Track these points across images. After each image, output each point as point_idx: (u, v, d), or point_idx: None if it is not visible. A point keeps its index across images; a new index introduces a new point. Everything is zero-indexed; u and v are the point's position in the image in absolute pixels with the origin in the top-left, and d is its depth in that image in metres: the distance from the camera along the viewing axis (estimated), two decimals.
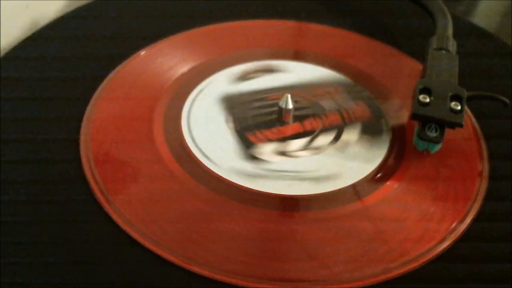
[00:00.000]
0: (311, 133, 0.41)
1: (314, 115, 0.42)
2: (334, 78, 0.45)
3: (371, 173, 0.39)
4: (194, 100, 0.42)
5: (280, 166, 0.39)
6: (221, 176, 0.38)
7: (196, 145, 0.40)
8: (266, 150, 0.40)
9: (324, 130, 0.41)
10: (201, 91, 0.43)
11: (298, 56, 0.47)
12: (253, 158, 0.39)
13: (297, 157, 0.39)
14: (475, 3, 0.62)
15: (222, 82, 0.44)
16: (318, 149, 0.40)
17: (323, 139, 0.40)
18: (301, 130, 0.41)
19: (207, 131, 0.41)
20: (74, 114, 0.41)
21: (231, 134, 0.40)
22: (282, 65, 0.45)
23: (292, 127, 0.41)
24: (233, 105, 0.42)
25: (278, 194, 0.37)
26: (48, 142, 0.40)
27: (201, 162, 0.39)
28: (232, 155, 0.39)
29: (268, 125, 0.41)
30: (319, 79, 0.44)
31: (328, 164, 0.39)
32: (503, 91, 0.42)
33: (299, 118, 0.41)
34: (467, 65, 0.43)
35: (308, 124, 0.41)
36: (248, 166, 0.39)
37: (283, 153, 0.40)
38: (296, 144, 0.40)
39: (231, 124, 0.41)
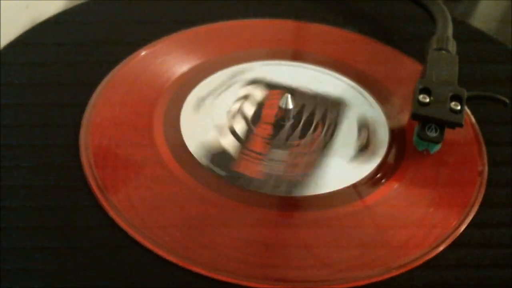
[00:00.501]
0: (303, 137, 0.41)
1: (313, 122, 0.41)
2: (348, 91, 0.44)
3: (371, 173, 0.39)
4: (195, 97, 0.42)
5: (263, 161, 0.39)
6: (221, 176, 0.38)
7: (196, 145, 0.39)
8: (254, 144, 0.40)
9: (318, 137, 0.41)
10: (220, 76, 0.44)
11: (298, 56, 0.47)
12: (232, 132, 0.40)
13: (279, 155, 0.39)
14: (475, 4, 0.62)
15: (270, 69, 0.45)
16: (304, 153, 0.40)
17: (313, 145, 0.40)
18: (295, 131, 0.41)
19: (206, 122, 0.41)
20: (74, 114, 0.41)
21: (224, 125, 0.41)
22: (327, 74, 0.45)
23: (288, 127, 0.41)
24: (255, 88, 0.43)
25: (278, 194, 0.37)
26: (48, 143, 0.40)
27: (201, 162, 0.39)
28: (222, 143, 0.40)
29: (266, 122, 0.41)
30: (333, 90, 0.44)
31: (305, 168, 0.39)
32: (503, 92, 0.42)
33: (297, 121, 0.41)
34: (466, 67, 0.43)
35: (304, 128, 0.41)
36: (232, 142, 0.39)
37: (271, 145, 0.40)
38: (284, 144, 0.40)
39: (238, 103, 0.42)
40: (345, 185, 0.38)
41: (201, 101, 0.42)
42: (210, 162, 0.39)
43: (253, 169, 0.39)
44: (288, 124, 0.41)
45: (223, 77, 0.44)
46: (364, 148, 0.40)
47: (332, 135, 0.41)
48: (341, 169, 0.39)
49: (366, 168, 0.39)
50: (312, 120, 0.42)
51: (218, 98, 0.43)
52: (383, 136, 0.41)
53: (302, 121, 0.41)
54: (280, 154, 0.40)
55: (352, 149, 0.40)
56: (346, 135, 0.41)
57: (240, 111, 0.42)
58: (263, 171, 0.38)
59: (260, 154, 0.39)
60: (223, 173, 0.38)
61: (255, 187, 0.38)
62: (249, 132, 0.41)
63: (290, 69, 0.45)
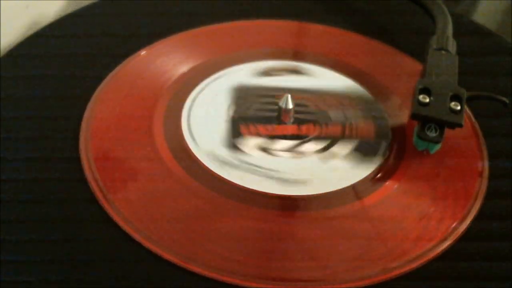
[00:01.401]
0: (303, 138, 0.41)
1: (315, 122, 0.41)
2: (356, 92, 0.44)
3: (371, 173, 0.39)
4: (195, 97, 0.42)
5: (255, 161, 0.39)
6: (221, 176, 0.38)
7: (196, 145, 0.40)
8: (251, 143, 0.40)
9: (318, 138, 0.41)
10: (216, 78, 0.43)
11: (298, 56, 0.47)
12: (234, 147, 0.39)
13: (277, 156, 0.39)
14: (475, 3, 0.62)
15: (244, 74, 0.44)
16: (301, 153, 0.40)
17: (312, 146, 0.40)
18: (295, 132, 0.41)
19: (206, 122, 0.41)
20: (74, 114, 0.41)
21: (225, 122, 0.41)
22: (310, 69, 0.45)
23: (288, 128, 0.41)
24: (242, 95, 0.42)
25: (279, 194, 0.37)
26: (48, 142, 0.40)
27: (201, 162, 0.39)
28: (217, 140, 0.40)
29: (265, 121, 0.41)
30: (340, 89, 0.44)
31: (302, 169, 0.39)
32: (504, 89, 0.42)
33: (299, 121, 0.41)
34: (467, 63, 0.43)
35: (304, 129, 0.41)
36: (226, 153, 0.39)
37: (264, 150, 0.40)
38: (282, 144, 0.40)
39: (231, 112, 0.41)
40: (345, 185, 0.38)
41: (201, 102, 0.42)
42: (214, 165, 0.39)
43: (228, 157, 0.39)
44: (289, 124, 0.41)
45: (221, 78, 0.44)
46: (347, 165, 0.40)
47: (322, 144, 0.41)
48: (311, 177, 0.39)
49: (366, 168, 0.39)
50: (311, 119, 0.42)
51: (218, 100, 0.43)
52: (382, 140, 0.41)
53: (302, 120, 0.41)
54: (261, 149, 0.39)
55: (335, 162, 0.40)
56: (337, 148, 0.41)
57: (240, 114, 0.42)
58: (236, 161, 0.38)
59: (242, 145, 0.39)
60: (229, 177, 0.38)
61: (260, 187, 0.38)
62: (243, 123, 0.41)
63: (313, 76, 0.45)
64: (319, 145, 0.40)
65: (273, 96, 0.42)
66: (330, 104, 0.43)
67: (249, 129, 0.41)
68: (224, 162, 0.38)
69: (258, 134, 0.40)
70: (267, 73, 0.44)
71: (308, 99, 0.43)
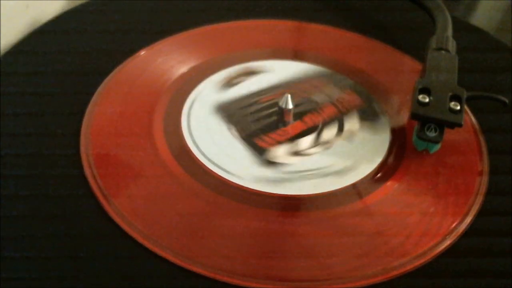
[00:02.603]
0: (315, 129, 0.41)
1: (311, 111, 0.42)
2: (314, 71, 0.45)
3: (371, 172, 0.39)
4: (193, 102, 0.42)
5: (300, 167, 0.39)
6: (221, 176, 0.38)
7: (196, 145, 0.40)
8: (279, 153, 0.40)
9: (326, 123, 0.41)
10: (219, 77, 0.44)
11: (297, 56, 0.47)
12: (270, 163, 0.39)
13: (311, 154, 0.39)
14: (475, 3, 0.62)
15: (210, 91, 0.43)
16: (327, 143, 0.40)
17: (329, 133, 0.40)
18: (304, 127, 0.41)
19: (206, 122, 0.41)
20: (74, 112, 0.41)
21: (239, 143, 0.40)
22: (262, 65, 0.45)
23: (295, 126, 0.41)
24: (230, 113, 0.42)
25: (278, 194, 0.37)
26: (48, 141, 0.40)
27: (201, 162, 0.39)
28: (247, 163, 0.39)
29: (271, 127, 0.41)
30: (301, 74, 0.45)
31: (345, 155, 0.39)
32: (503, 91, 0.42)
33: (298, 116, 0.41)
34: (466, 65, 0.43)
35: (309, 120, 0.41)
36: (268, 172, 0.38)
37: (296, 153, 0.40)
38: (305, 142, 0.40)
39: (235, 132, 0.41)
40: (345, 185, 0.38)
41: (201, 102, 0.42)
42: (213, 165, 0.38)
43: (274, 174, 0.38)
44: (290, 123, 0.41)
45: (215, 81, 0.44)
46: (368, 134, 0.40)
47: (335, 127, 0.41)
48: (356, 158, 0.39)
49: (366, 168, 0.39)
50: (311, 116, 0.42)
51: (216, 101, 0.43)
52: (381, 118, 0.41)
53: (299, 114, 0.41)
54: (294, 154, 0.39)
55: (358, 136, 0.40)
56: (348, 125, 0.41)
57: (246, 132, 0.41)
58: (285, 175, 0.38)
59: (275, 158, 0.39)
60: (229, 176, 0.38)
61: (281, 191, 0.38)
62: (255, 137, 0.40)
63: (269, 72, 0.45)
64: (333, 129, 0.40)
65: (257, 102, 0.42)
66: (306, 90, 0.43)
67: (266, 141, 0.40)
68: (274, 181, 0.38)
69: (278, 142, 0.40)
70: (228, 84, 0.44)
71: (285, 93, 0.43)
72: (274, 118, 0.41)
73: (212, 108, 0.42)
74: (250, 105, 0.42)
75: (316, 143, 0.40)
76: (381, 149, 0.40)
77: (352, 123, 0.41)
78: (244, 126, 0.41)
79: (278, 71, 0.45)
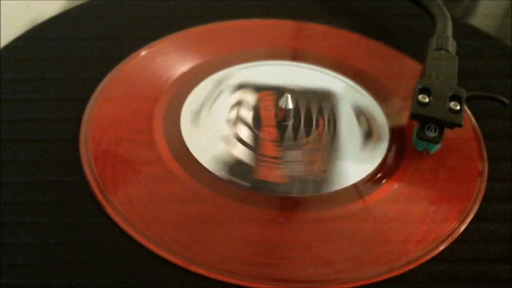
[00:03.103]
0: (309, 134, 0.41)
1: (312, 119, 0.42)
2: (330, 82, 0.44)
3: (371, 173, 0.39)
4: (195, 97, 0.42)
5: (276, 158, 0.39)
6: (221, 176, 0.38)
7: (196, 145, 0.40)
8: (266, 147, 0.40)
9: (322, 133, 0.41)
10: (219, 77, 0.44)
11: (298, 56, 0.47)
12: (242, 141, 0.40)
13: (296, 150, 0.40)
14: (475, 4, 0.62)
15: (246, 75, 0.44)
16: (316, 149, 0.40)
17: (321, 141, 0.40)
18: (300, 130, 0.41)
19: (206, 121, 0.41)
20: (73, 114, 0.41)
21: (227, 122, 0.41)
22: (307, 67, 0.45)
23: (291, 127, 0.41)
24: (243, 98, 0.43)
25: (279, 194, 0.37)
26: (48, 142, 0.40)
27: (201, 163, 0.39)
28: (239, 151, 0.39)
29: (268, 123, 0.41)
30: (319, 85, 0.44)
31: (326, 164, 0.39)
32: (503, 92, 0.42)
33: (297, 120, 0.41)
34: (466, 66, 0.43)
35: (307, 126, 0.41)
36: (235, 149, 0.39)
37: (282, 147, 0.40)
38: (294, 143, 0.40)
39: (234, 116, 0.41)
40: (346, 185, 0.38)
41: (196, 114, 0.42)
42: (230, 175, 0.38)
43: (274, 174, 0.38)
44: (290, 124, 0.41)
45: (209, 86, 0.44)
46: (369, 135, 0.40)
47: (335, 127, 0.41)
48: (361, 152, 0.39)
49: (366, 168, 0.39)
50: (311, 117, 0.42)
51: (213, 106, 0.42)
52: (382, 140, 0.41)
53: (302, 119, 0.41)
54: (293, 154, 0.40)
55: (358, 137, 0.40)
56: (348, 125, 0.41)
57: (239, 118, 0.41)
58: (284, 175, 0.38)
59: (274, 158, 0.39)
60: (247, 184, 0.38)
61: (282, 192, 0.38)
62: (256, 137, 0.40)
63: (272, 68, 0.45)
64: (327, 138, 0.40)
65: (265, 100, 0.43)
66: (313, 99, 0.43)
67: (258, 135, 0.41)
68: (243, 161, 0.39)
69: (268, 138, 0.40)
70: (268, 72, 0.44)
71: (304, 97, 0.43)
72: (275, 116, 0.42)
73: (237, 85, 0.43)
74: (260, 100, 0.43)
75: (302, 146, 0.40)
76: (381, 149, 0.40)
77: (348, 139, 0.41)
78: (244, 115, 0.42)
79: (318, 77, 0.45)
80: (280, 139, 0.40)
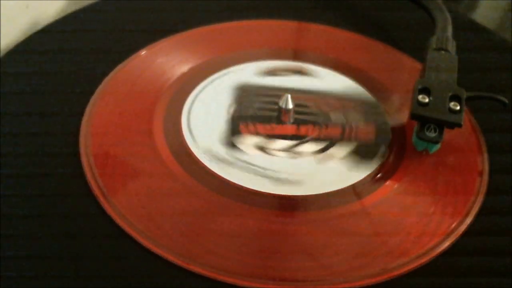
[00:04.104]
0: (301, 138, 0.41)
1: (315, 123, 0.41)
2: (358, 93, 0.44)
3: (371, 173, 0.39)
4: (195, 97, 0.42)
5: (252, 159, 0.39)
6: (221, 176, 0.38)
7: (196, 144, 0.40)
8: (248, 141, 0.40)
9: (317, 139, 0.41)
10: (216, 78, 0.44)
11: (298, 56, 0.47)
12: (232, 145, 0.39)
13: (273, 155, 0.39)
14: (475, 3, 0.62)
15: (248, 72, 0.44)
16: (298, 154, 0.40)
17: (309, 147, 0.40)
18: (294, 132, 0.41)
19: (205, 121, 0.41)
20: (73, 114, 0.41)
21: (225, 120, 0.41)
22: (314, 70, 0.45)
23: (287, 127, 0.41)
24: (245, 94, 0.43)
25: (278, 194, 0.37)
26: (48, 141, 0.40)
27: (201, 162, 0.39)
28: (215, 138, 0.40)
29: (265, 120, 0.41)
30: (341, 91, 0.44)
31: (297, 170, 0.39)
32: (503, 87, 0.42)
33: (299, 121, 0.41)
34: (467, 61, 0.43)
35: (304, 130, 0.41)
36: (223, 151, 0.39)
37: (261, 148, 0.40)
38: (280, 144, 0.40)
39: (231, 111, 0.41)
40: (345, 186, 0.38)
41: (201, 102, 0.42)
42: (209, 162, 0.39)
43: (225, 155, 0.39)
44: (289, 124, 0.41)
45: (221, 78, 0.44)
46: (343, 167, 0.40)
47: (320, 145, 0.41)
48: (306, 178, 0.39)
49: (366, 168, 0.39)
50: (312, 120, 0.42)
51: (218, 100, 0.43)
52: (382, 141, 0.41)
53: (302, 121, 0.41)
54: (259, 148, 0.40)
55: (331, 164, 0.40)
56: (334, 150, 0.40)
57: (240, 113, 0.42)
58: (233, 159, 0.39)
59: (240, 143, 0.39)
60: (225, 174, 0.38)
61: (256, 186, 0.38)
62: (243, 122, 0.41)
63: (316, 77, 0.45)
64: (317, 146, 0.40)
65: (275, 96, 0.42)
66: (332, 105, 0.43)
67: (248, 128, 0.41)
68: (220, 160, 0.39)
69: (257, 133, 0.40)
70: (272, 72, 0.44)
71: (310, 100, 0.43)
72: (275, 114, 0.41)
73: (234, 85, 0.43)
74: (268, 96, 0.43)
75: (289, 149, 0.40)
76: (381, 149, 0.40)
77: (339, 150, 0.40)
78: (243, 109, 0.42)
79: (325, 80, 0.45)
80: (272, 137, 0.40)
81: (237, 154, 0.39)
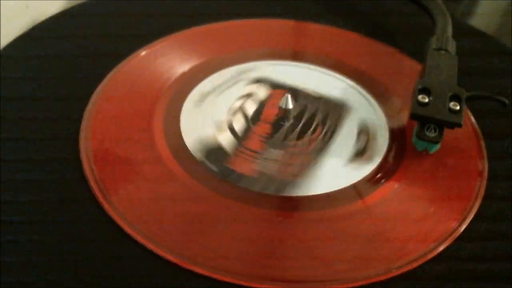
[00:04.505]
0: (301, 138, 0.41)
1: (315, 123, 0.41)
2: (359, 94, 0.44)
3: (371, 173, 0.39)
4: (196, 97, 0.42)
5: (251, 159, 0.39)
6: (221, 176, 0.38)
7: (196, 145, 0.40)
8: (249, 141, 0.40)
9: (317, 139, 0.41)
10: (216, 78, 0.44)
11: (298, 56, 0.47)
12: (232, 145, 0.40)
13: (273, 155, 0.39)
14: (475, 4, 0.62)
15: (249, 72, 0.44)
16: (298, 154, 0.40)
17: (309, 147, 0.40)
18: (294, 132, 0.41)
19: (205, 121, 0.41)
20: (73, 114, 0.41)
21: (225, 120, 0.41)
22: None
23: (287, 127, 0.41)
24: (249, 94, 0.43)
25: (279, 195, 0.37)
26: (47, 141, 0.40)
27: (200, 162, 0.39)
28: (215, 138, 0.40)
29: (265, 120, 0.41)
30: (342, 91, 0.44)
31: (297, 170, 0.39)
32: (502, 92, 0.42)
33: (299, 121, 0.41)
34: (466, 65, 0.43)
35: (304, 130, 0.41)
36: (223, 151, 0.39)
37: (261, 148, 0.40)
38: (280, 143, 0.40)
39: (232, 111, 0.41)
40: (345, 185, 0.38)
41: (203, 97, 0.42)
42: (205, 158, 0.39)
43: (246, 167, 0.39)
44: (287, 124, 0.41)
45: (227, 74, 0.44)
46: (360, 153, 0.40)
47: (330, 138, 0.41)
48: (335, 171, 0.39)
49: (366, 168, 0.39)
50: (312, 122, 0.42)
51: (221, 95, 0.43)
52: (382, 141, 0.41)
53: (302, 122, 0.41)
54: (275, 153, 0.40)
55: (348, 153, 0.40)
56: (345, 139, 0.41)
57: (241, 109, 0.42)
58: (256, 169, 0.38)
59: (255, 152, 0.39)
60: (215, 168, 0.38)
61: (246, 184, 0.38)
62: (247, 130, 0.41)
63: (296, 69, 0.45)
64: (317, 146, 0.40)
65: (275, 96, 0.42)
66: (332, 105, 0.43)
67: (248, 128, 0.41)
68: (220, 160, 0.39)
69: (257, 133, 0.40)
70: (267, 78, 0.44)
71: (310, 100, 0.43)
72: (275, 114, 0.41)
73: (255, 78, 0.44)
74: (269, 95, 0.43)
75: (288, 149, 0.40)
76: (381, 149, 0.40)
77: (338, 151, 0.40)
78: (247, 109, 0.42)
79: (325, 80, 0.45)
80: (270, 136, 0.40)
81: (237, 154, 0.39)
